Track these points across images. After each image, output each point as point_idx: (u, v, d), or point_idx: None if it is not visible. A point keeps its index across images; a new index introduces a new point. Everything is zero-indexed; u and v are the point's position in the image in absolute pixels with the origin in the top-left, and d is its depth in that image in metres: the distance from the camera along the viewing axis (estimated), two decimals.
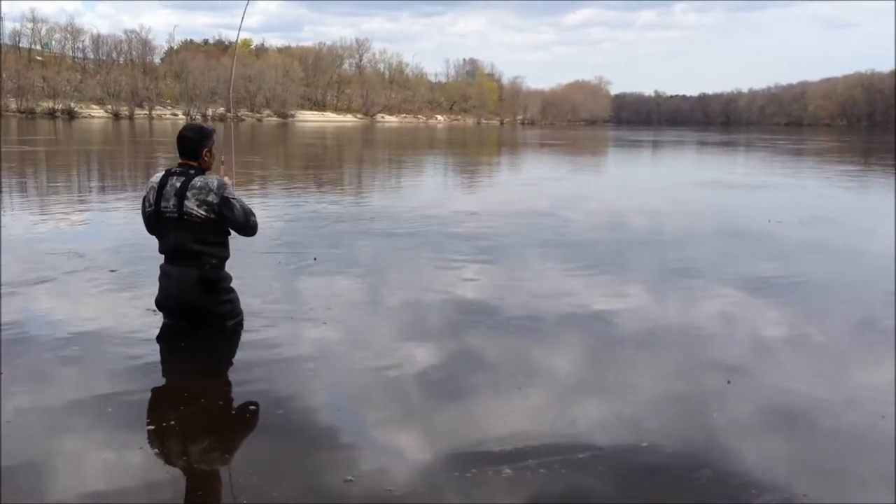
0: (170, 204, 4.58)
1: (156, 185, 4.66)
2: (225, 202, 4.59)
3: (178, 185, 4.58)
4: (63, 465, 3.17)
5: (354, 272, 6.99)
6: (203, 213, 4.55)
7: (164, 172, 4.72)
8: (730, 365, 4.54)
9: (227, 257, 4.82)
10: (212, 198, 4.56)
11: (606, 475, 3.17)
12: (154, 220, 4.70)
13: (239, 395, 4.08)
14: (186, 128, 4.85)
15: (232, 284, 4.90)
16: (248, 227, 4.74)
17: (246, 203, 4.78)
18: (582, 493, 3.04)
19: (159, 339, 4.78)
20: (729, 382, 4.24)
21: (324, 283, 6.45)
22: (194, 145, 4.70)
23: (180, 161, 4.72)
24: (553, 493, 3.02)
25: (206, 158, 4.73)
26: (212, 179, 4.64)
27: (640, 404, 3.97)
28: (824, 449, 3.53)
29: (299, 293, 6.12)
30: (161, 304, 4.82)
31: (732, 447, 3.46)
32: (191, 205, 4.55)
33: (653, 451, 3.39)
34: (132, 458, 3.22)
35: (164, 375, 4.32)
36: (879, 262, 7.95)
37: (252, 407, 3.87)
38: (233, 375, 4.37)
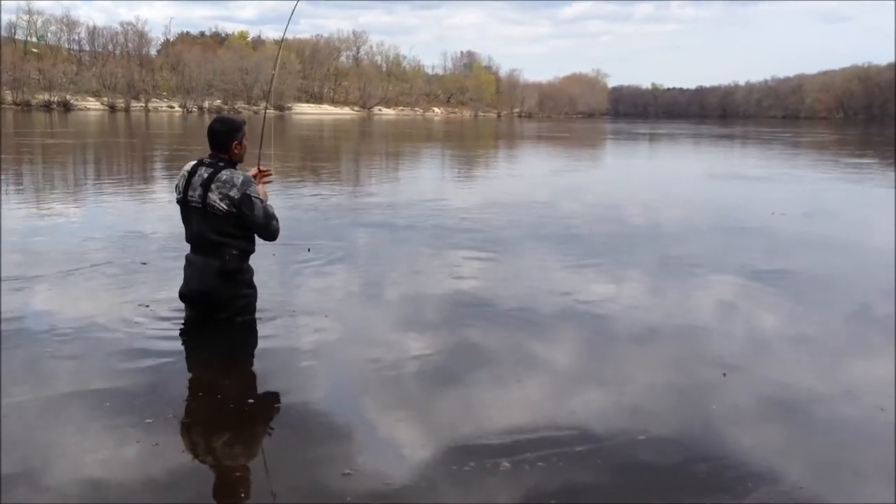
0: (195, 194, 4.57)
1: (186, 174, 4.65)
2: (246, 199, 4.53)
3: (205, 175, 4.57)
4: (59, 459, 3.17)
5: (354, 264, 7.00)
6: (225, 206, 4.52)
7: (196, 161, 4.71)
8: (730, 357, 4.55)
9: (250, 250, 4.78)
10: (234, 192, 4.52)
11: (604, 468, 3.17)
12: (181, 208, 4.70)
13: (238, 388, 4.07)
14: (217, 120, 4.82)
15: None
16: (267, 229, 4.68)
17: (271, 207, 4.71)
18: (580, 487, 3.04)
19: (181, 332, 4.77)
20: (724, 375, 4.25)
21: (323, 276, 6.44)
22: (223, 138, 4.66)
23: (211, 153, 4.70)
24: (551, 486, 3.02)
25: (235, 151, 4.68)
26: (238, 174, 4.59)
27: (639, 397, 3.97)
28: (823, 442, 3.53)
29: (298, 285, 6.11)
30: (183, 293, 4.80)
31: (729, 440, 3.47)
32: (214, 197, 4.53)
33: (651, 445, 3.39)
34: (129, 452, 3.21)
35: (165, 369, 4.29)
36: (883, 257, 7.96)
37: (251, 401, 3.87)
38: (232, 369, 4.37)
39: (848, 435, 3.58)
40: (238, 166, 4.71)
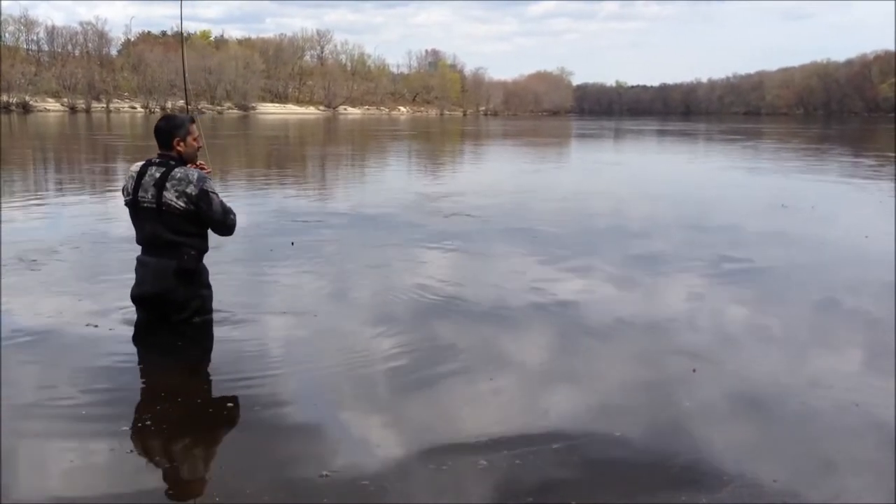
0: (148, 195, 4.51)
1: (135, 175, 4.58)
2: (203, 195, 4.51)
3: (157, 175, 4.51)
4: (29, 466, 3.12)
5: (327, 260, 6.96)
6: (182, 204, 4.48)
7: (144, 162, 4.64)
8: (699, 351, 4.61)
9: (206, 249, 4.75)
10: (190, 189, 4.48)
11: (581, 465, 3.19)
12: (131, 209, 4.63)
13: (215, 391, 4.04)
14: (161, 118, 4.79)
15: (211, 280, 4.84)
16: (224, 225, 4.67)
17: (227, 203, 4.70)
18: (557, 484, 3.05)
19: (134, 336, 4.70)
20: (694, 371, 4.30)
21: (295, 272, 6.38)
22: (165, 136, 4.61)
23: (160, 152, 4.64)
24: (528, 484, 3.03)
25: (178, 148, 4.62)
26: (192, 171, 4.56)
27: (613, 394, 4.01)
28: (799, 437, 3.56)
29: (270, 282, 6.05)
30: (136, 295, 4.73)
31: (703, 436, 3.50)
32: (170, 195, 4.47)
33: (626, 441, 3.41)
34: (101, 459, 3.18)
35: (136, 374, 4.24)
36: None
37: (230, 404, 3.84)
38: (209, 372, 4.34)
39: (821, 429, 3.63)
40: (188, 165, 4.67)
